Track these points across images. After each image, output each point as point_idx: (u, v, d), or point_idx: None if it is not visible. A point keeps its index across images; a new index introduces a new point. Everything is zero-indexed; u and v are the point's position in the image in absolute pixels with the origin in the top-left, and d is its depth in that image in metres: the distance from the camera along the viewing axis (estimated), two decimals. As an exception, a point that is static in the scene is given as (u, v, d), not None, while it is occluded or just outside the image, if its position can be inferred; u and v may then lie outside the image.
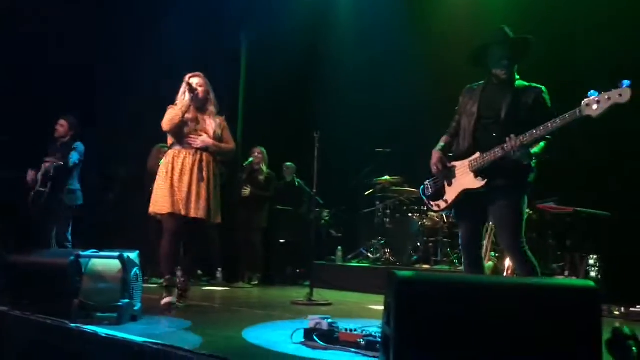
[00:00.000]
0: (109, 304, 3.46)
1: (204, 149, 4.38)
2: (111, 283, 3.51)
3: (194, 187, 4.30)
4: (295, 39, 8.23)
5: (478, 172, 3.33)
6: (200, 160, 4.37)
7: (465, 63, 3.58)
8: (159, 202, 4.30)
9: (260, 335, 3.32)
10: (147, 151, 7.12)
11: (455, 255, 6.68)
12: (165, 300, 4.22)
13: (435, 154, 3.59)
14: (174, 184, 4.29)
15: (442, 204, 3.55)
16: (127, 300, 3.50)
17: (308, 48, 8.39)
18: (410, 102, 7.84)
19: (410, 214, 7.22)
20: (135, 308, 3.62)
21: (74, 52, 7.27)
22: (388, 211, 7.44)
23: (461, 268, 6.25)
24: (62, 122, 6.07)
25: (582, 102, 2.89)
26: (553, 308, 1.88)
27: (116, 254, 3.56)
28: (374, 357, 2.67)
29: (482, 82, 3.55)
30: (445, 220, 6.81)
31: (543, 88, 3.37)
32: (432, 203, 3.64)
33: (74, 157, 5.85)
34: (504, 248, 3.43)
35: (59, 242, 5.70)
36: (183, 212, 4.26)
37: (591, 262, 5.71)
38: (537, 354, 1.85)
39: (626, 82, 2.78)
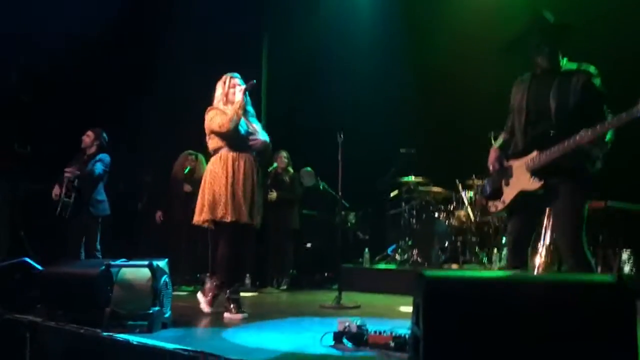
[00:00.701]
0: (139, 312, 3.50)
1: (258, 152, 4.33)
2: (141, 291, 3.55)
3: (256, 195, 4.27)
4: (317, 39, 8.26)
5: (534, 173, 3.17)
6: (257, 166, 4.34)
7: (502, 50, 3.49)
8: (219, 210, 4.16)
9: (291, 339, 3.33)
10: (173, 157, 7.22)
11: (483, 254, 6.61)
12: (238, 316, 4.14)
13: (493, 152, 3.48)
14: (235, 191, 4.18)
15: (500, 205, 3.40)
16: (157, 308, 3.54)
17: (330, 49, 8.39)
18: (433, 101, 7.81)
19: (436, 214, 7.16)
20: (166, 315, 3.66)
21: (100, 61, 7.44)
22: (414, 212, 7.39)
23: (490, 267, 6.23)
24: (89, 132, 6.13)
25: (639, 101, 2.71)
26: (583, 304, 1.84)
27: (145, 262, 3.59)
28: (404, 358, 2.65)
29: (529, 73, 3.38)
30: (473, 219, 6.73)
31: (592, 69, 3.16)
32: (489, 203, 3.51)
33: (99, 168, 5.92)
34: (563, 249, 3.25)
35: (88, 252, 5.77)
36: (246, 220, 4.18)
37: (624, 257, 5.60)
38: (569, 351, 1.82)
39: None
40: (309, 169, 7.37)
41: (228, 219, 4.14)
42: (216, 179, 4.21)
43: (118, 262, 3.70)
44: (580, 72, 3.16)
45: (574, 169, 3.08)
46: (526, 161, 3.23)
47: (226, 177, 4.18)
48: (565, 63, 3.25)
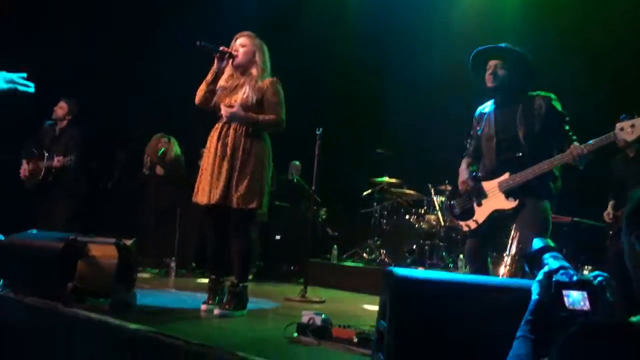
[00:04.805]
0: (103, 289, 3.46)
1: (233, 120, 3.70)
2: (106, 269, 3.50)
3: (215, 168, 3.68)
4: (304, 36, 8.22)
5: (509, 193, 3.34)
6: (226, 135, 3.71)
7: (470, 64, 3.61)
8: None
9: (254, 329, 3.33)
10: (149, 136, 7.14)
11: (450, 259, 6.69)
12: (202, 307, 3.75)
13: (464, 173, 3.62)
14: (203, 168, 3.76)
15: (472, 224, 3.53)
16: (121, 287, 3.49)
17: (317, 45, 8.37)
18: (413, 104, 7.85)
19: (407, 216, 7.22)
20: (130, 295, 3.61)
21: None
22: (385, 212, 7.44)
23: (456, 271, 6.30)
24: (62, 104, 5.91)
25: (616, 126, 2.94)
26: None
27: (112, 240, 3.55)
28: (367, 354, 2.67)
29: (491, 101, 3.59)
30: (442, 224, 6.80)
31: (552, 95, 3.39)
32: (460, 223, 3.64)
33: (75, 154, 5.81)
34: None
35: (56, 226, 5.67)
36: (204, 200, 3.69)
37: (586, 272, 5.72)
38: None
39: None
40: (297, 162, 7.46)
41: (193, 200, 3.81)
42: None
43: (84, 237, 3.65)
44: (541, 97, 3.37)
45: (541, 187, 3.31)
46: (499, 182, 3.39)
47: (203, 154, 3.90)
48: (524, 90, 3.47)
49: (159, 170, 6.88)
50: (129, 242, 3.62)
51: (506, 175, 3.36)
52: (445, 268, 6.57)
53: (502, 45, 3.53)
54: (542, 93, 3.40)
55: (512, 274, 5.33)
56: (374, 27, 8.34)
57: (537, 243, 2.29)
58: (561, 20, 6.73)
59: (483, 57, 3.52)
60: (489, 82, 3.46)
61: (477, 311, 1.91)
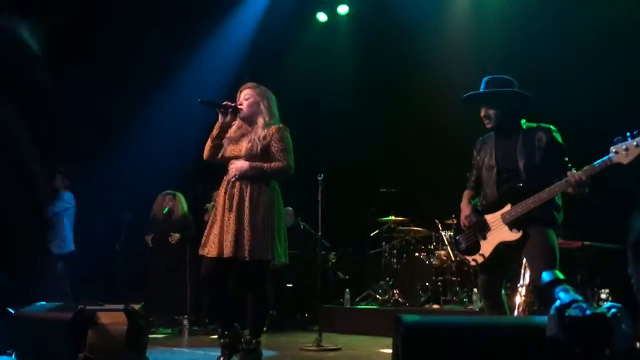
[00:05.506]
0: (114, 357, 3.41)
1: (244, 176, 3.71)
2: (116, 337, 3.46)
3: (224, 221, 3.66)
4: (300, 78, 8.33)
5: (512, 224, 3.34)
6: (232, 187, 3.71)
7: (462, 101, 3.64)
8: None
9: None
10: (152, 195, 7.16)
11: (464, 294, 6.59)
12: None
13: (465, 209, 3.62)
14: (213, 221, 3.75)
15: (479, 259, 3.51)
16: (132, 353, 3.45)
17: (310, 90, 8.48)
18: (414, 141, 7.90)
19: (417, 254, 7.16)
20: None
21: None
22: (395, 251, 7.39)
23: (471, 307, 6.21)
24: (56, 175, 6.23)
25: (611, 150, 2.94)
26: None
27: (121, 306, 3.52)
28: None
29: (491, 133, 3.61)
30: (453, 259, 6.74)
31: (552, 127, 3.42)
32: (467, 258, 3.62)
33: (56, 208, 5.93)
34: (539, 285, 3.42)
35: (57, 293, 5.67)
36: (214, 253, 3.63)
37: (603, 296, 5.62)
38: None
39: None
40: (289, 208, 7.35)
41: (201, 252, 3.77)
42: None
43: (93, 305, 3.62)
44: (542, 129, 3.41)
45: (544, 215, 3.30)
46: (502, 214, 3.39)
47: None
48: (524, 122, 3.49)
49: (174, 238, 6.83)
50: (137, 307, 3.59)
51: (508, 207, 3.36)
52: (460, 303, 6.48)
53: (484, 91, 3.51)
54: (543, 125, 3.44)
55: (527, 303, 5.28)
56: (375, 66, 8.45)
57: (546, 277, 2.26)
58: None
59: (473, 101, 3.57)
60: (487, 125, 3.52)
61: (489, 354, 1.88)
